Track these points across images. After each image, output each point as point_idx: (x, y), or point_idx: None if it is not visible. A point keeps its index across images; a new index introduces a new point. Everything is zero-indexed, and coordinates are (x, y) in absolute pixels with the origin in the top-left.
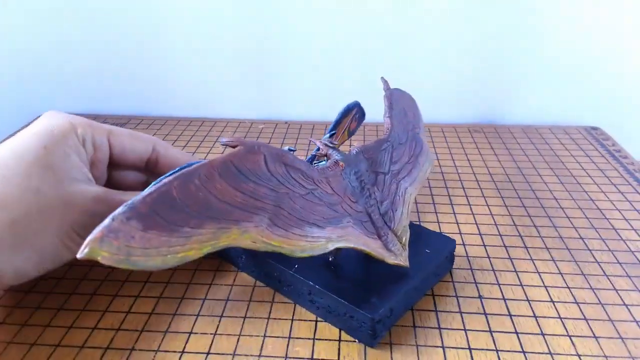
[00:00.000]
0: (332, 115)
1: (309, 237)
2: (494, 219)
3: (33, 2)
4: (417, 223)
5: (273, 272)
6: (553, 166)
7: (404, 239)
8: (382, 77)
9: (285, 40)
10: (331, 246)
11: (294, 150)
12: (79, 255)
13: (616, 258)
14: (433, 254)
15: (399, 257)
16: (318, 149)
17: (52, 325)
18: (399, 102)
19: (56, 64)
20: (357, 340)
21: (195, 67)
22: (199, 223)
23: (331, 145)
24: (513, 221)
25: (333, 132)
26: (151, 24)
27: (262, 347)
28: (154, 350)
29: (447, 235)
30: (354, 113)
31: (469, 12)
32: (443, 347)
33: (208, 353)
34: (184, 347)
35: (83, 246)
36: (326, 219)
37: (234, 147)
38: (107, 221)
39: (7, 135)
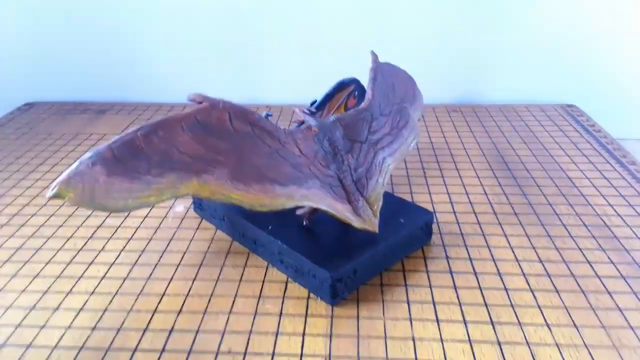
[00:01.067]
0: (313, 96)
1: (270, 193)
2: (465, 189)
3: None
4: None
5: (249, 232)
6: (527, 141)
7: (375, 206)
8: (371, 51)
9: (265, 24)
10: (291, 204)
11: (270, 115)
12: (47, 195)
13: (582, 221)
14: (406, 224)
15: (367, 222)
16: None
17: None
18: (387, 76)
19: (39, 55)
20: (318, 298)
21: (175, 53)
22: (160, 172)
23: (308, 112)
24: (484, 190)
25: (314, 101)
26: (131, 12)
27: (232, 305)
28: (126, 311)
29: (424, 208)
30: (351, 90)
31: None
32: (408, 302)
33: (180, 312)
34: (156, 308)
35: (52, 187)
36: (289, 178)
37: (199, 102)
38: (74, 165)
39: None
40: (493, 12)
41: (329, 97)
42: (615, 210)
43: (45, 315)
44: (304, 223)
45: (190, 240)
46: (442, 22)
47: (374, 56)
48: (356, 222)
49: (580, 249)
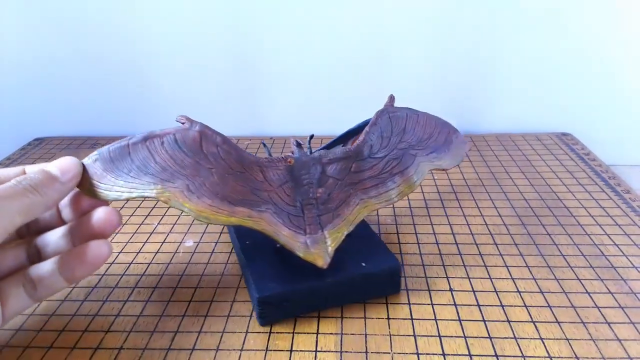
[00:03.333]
0: (316, 129)
1: (215, 208)
2: (466, 219)
3: (26, 30)
4: (376, 232)
5: (235, 242)
6: (524, 170)
7: (333, 243)
8: (391, 94)
9: (269, 59)
10: (233, 222)
11: (265, 144)
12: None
13: (580, 251)
14: (366, 268)
15: (314, 255)
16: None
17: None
18: (399, 120)
19: (49, 89)
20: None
21: (183, 88)
22: (137, 175)
23: (296, 144)
24: (484, 221)
25: (312, 135)
26: (138, 48)
27: (244, 342)
28: (141, 349)
29: (394, 256)
30: None
31: (445, 30)
32: (415, 336)
33: (193, 349)
34: (170, 345)
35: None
36: (241, 199)
37: (182, 123)
38: (85, 159)
39: (3, 158)
40: (489, 45)
41: (352, 132)
42: (611, 240)
43: (62, 355)
44: (277, 245)
45: (201, 276)
46: (440, 56)
47: (390, 100)
48: (300, 252)
49: (579, 279)
